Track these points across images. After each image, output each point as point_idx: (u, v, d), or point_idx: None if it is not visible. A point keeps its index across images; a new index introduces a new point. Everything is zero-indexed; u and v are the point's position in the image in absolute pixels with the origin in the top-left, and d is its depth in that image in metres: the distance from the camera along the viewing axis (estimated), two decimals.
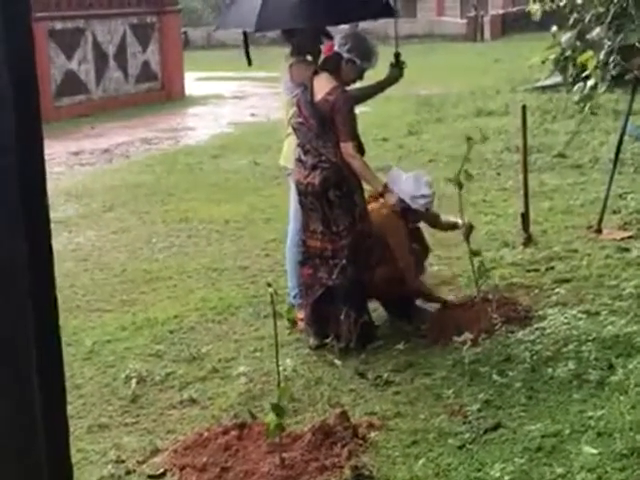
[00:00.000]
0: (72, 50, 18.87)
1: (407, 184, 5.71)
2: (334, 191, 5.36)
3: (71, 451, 1.99)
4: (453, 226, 6.24)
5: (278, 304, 4.10)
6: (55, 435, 1.86)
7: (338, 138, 5.35)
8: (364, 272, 5.48)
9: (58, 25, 18.46)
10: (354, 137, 5.41)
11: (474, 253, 5.85)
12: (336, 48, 5.49)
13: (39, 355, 1.81)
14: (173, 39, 21.89)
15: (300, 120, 5.49)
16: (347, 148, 5.38)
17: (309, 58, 5.92)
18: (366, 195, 5.69)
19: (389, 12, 6.05)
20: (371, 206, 5.66)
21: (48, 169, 1.62)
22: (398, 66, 5.89)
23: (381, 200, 5.73)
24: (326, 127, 5.36)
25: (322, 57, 5.62)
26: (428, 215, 5.95)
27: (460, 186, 5.78)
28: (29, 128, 1.66)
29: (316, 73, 5.51)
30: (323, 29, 6.06)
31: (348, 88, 5.57)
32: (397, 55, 5.87)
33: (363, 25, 20.57)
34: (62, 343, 1.93)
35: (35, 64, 1.64)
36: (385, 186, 5.54)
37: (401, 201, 5.66)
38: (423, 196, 5.69)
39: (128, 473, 4.24)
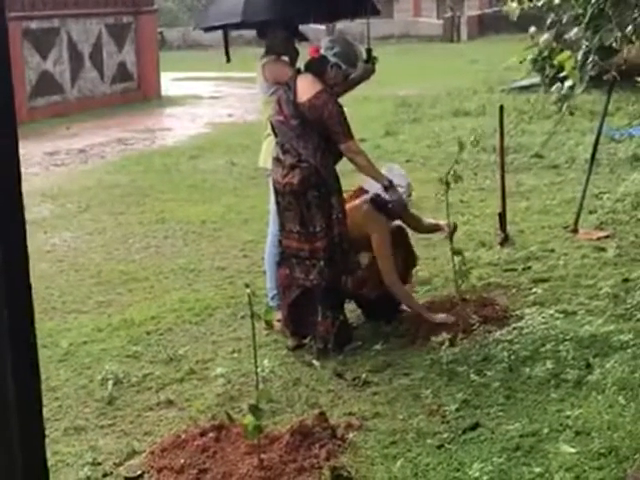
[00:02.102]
0: (47, 50, 18.76)
1: None
2: (312, 192, 5.35)
3: (47, 454, 1.97)
4: (435, 228, 6.23)
5: (256, 305, 4.09)
6: (31, 438, 1.84)
7: (324, 138, 5.32)
8: (342, 273, 5.46)
9: (33, 25, 18.34)
10: (352, 134, 5.40)
11: (456, 252, 5.85)
12: (322, 51, 5.46)
13: (14, 357, 1.78)
14: (149, 39, 21.82)
15: (280, 119, 5.46)
16: (350, 146, 5.39)
17: (284, 58, 5.93)
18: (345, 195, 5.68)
19: (371, 11, 6.06)
20: (350, 204, 5.65)
21: (23, 170, 1.60)
22: (370, 61, 5.89)
23: (362, 197, 5.72)
24: (307, 128, 5.34)
25: (308, 58, 5.60)
26: (408, 214, 5.92)
27: (447, 186, 5.80)
28: (3, 129, 1.63)
29: (299, 73, 5.50)
30: (295, 29, 6.08)
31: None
32: (369, 51, 5.89)
33: (339, 26, 20.61)
34: (37, 345, 1.91)
35: (10, 64, 1.62)
36: (390, 182, 5.52)
37: (377, 196, 5.64)
38: (397, 186, 5.66)
39: (105, 475, 4.20)
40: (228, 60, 6.15)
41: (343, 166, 5.69)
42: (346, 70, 5.48)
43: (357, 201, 5.72)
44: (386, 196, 5.59)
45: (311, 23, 6.40)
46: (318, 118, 5.31)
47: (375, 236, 5.59)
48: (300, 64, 5.73)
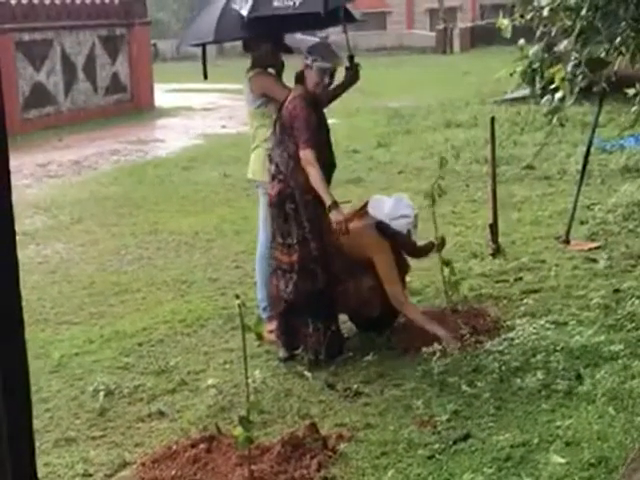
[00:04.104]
0: (40, 62, 18.78)
1: (387, 206, 5.68)
2: (289, 204, 5.37)
3: (38, 465, 1.97)
4: (429, 249, 6.21)
5: (247, 316, 4.09)
6: (21, 449, 1.84)
7: (298, 146, 5.33)
8: (330, 283, 5.46)
9: (26, 36, 18.36)
10: (314, 145, 5.37)
11: (445, 263, 5.89)
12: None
13: (4, 368, 1.79)
14: (142, 51, 21.86)
15: (272, 129, 5.56)
16: (306, 155, 5.33)
17: (270, 70, 6.00)
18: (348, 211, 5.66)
19: (347, 18, 6.09)
20: (354, 224, 5.59)
21: (16, 181, 1.62)
22: (353, 69, 5.91)
23: (365, 220, 5.63)
24: (284, 136, 5.38)
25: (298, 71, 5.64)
26: (409, 242, 5.88)
27: (433, 201, 5.82)
28: None
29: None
30: (280, 41, 6.13)
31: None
32: (351, 58, 5.91)
33: (332, 38, 20.75)
34: (28, 356, 1.92)
35: (0, 75, 1.63)
36: (334, 203, 5.36)
37: (381, 223, 5.61)
38: (403, 216, 5.64)
39: None
40: (205, 77, 6.18)
41: (337, 176, 5.68)
42: (313, 62, 5.40)
43: (360, 224, 5.62)
44: (389, 222, 5.57)
45: (286, 33, 6.43)
46: (290, 122, 5.34)
47: (379, 261, 5.54)
48: (289, 76, 5.77)
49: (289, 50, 6.16)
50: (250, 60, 6.08)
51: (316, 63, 5.41)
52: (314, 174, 5.34)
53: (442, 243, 6.00)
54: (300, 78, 5.50)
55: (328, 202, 5.36)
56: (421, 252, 6.17)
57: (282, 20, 5.85)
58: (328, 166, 5.51)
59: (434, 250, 6.03)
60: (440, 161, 5.89)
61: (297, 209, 5.35)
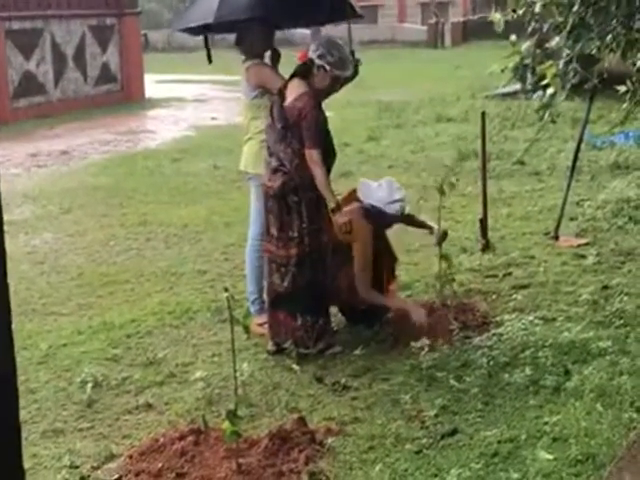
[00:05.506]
0: (30, 51, 18.69)
1: (380, 191, 5.71)
2: (292, 197, 5.36)
3: (24, 456, 1.96)
4: (426, 225, 6.22)
5: (237, 309, 4.08)
6: (7, 440, 1.83)
7: (303, 144, 5.32)
8: (324, 278, 5.46)
9: (16, 25, 18.27)
10: (320, 145, 5.37)
11: (444, 258, 5.90)
12: (309, 54, 5.48)
13: None
14: (133, 41, 21.79)
15: (269, 122, 5.53)
16: (312, 155, 5.34)
17: (267, 61, 5.98)
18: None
19: (351, 14, 6.08)
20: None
21: (5, 170, 1.60)
22: (353, 64, 5.90)
23: (352, 205, 5.68)
24: (288, 132, 5.35)
25: (298, 63, 5.63)
26: (401, 218, 5.93)
27: (442, 194, 5.86)
28: None
29: (291, 78, 5.52)
30: (272, 29, 6.12)
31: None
32: (351, 53, 5.90)
33: (325, 30, 20.72)
34: (16, 347, 1.91)
35: None
36: (338, 205, 5.42)
37: (372, 207, 5.64)
38: (396, 201, 5.69)
39: (82, 479, 4.18)
40: (210, 61, 6.19)
41: (334, 170, 5.66)
42: (332, 72, 5.45)
43: (346, 209, 5.63)
44: (383, 207, 5.59)
45: (289, 28, 6.43)
46: (297, 120, 5.32)
47: (357, 246, 5.58)
48: (288, 68, 5.75)
49: (279, 27, 6.18)
50: (244, 51, 6.03)
51: (336, 71, 5.42)
52: (319, 175, 5.34)
53: (444, 237, 6.02)
54: (302, 73, 5.45)
55: (332, 204, 5.38)
56: (418, 222, 6.17)
57: (286, 14, 5.84)
58: (331, 157, 5.50)
59: (434, 242, 6.06)
60: (458, 153, 5.93)
61: (300, 203, 5.34)
